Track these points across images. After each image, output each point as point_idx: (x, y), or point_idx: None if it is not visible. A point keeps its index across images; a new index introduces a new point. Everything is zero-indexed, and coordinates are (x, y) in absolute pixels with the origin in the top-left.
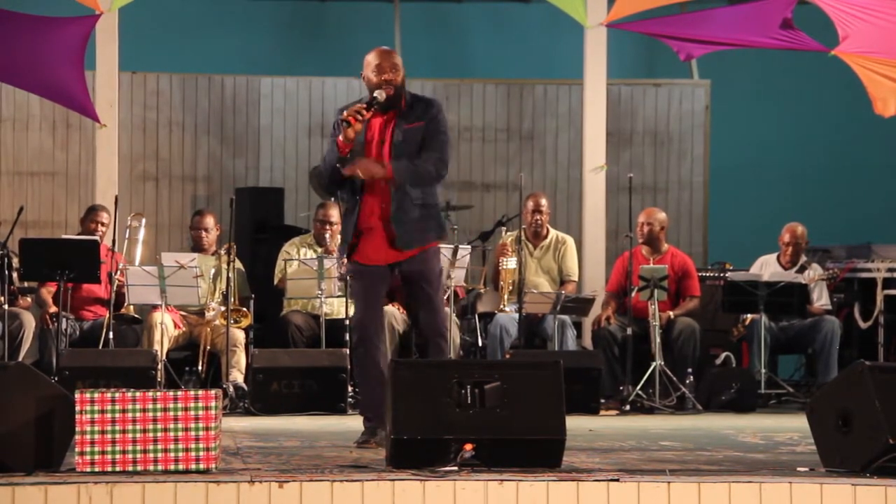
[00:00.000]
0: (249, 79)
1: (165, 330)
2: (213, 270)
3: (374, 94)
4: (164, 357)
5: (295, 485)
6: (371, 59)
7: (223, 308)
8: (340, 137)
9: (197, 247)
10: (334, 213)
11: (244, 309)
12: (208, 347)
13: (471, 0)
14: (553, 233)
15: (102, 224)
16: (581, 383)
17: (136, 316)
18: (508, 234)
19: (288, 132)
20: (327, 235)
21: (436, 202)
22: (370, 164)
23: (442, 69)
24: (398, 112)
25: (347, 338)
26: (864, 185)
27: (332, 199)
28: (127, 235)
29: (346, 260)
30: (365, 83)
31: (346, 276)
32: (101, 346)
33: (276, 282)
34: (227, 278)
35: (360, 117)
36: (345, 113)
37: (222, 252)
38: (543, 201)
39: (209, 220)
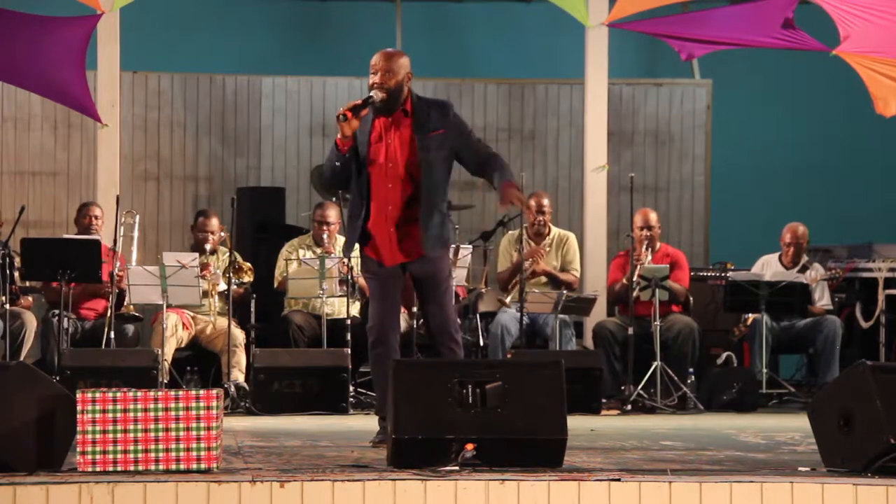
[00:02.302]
0: (251, 78)
1: (173, 330)
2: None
3: (370, 94)
4: (169, 358)
5: (296, 484)
6: (372, 59)
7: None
8: (339, 136)
9: (198, 249)
10: (331, 214)
11: (246, 264)
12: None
13: (472, 0)
14: (555, 230)
15: (96, 217)
16: (582, 383)
17: (136, 314)
18: (511, 232)
19: (289, 132)
20: (325, 235)
21: (447, 213)
22: (515, 192)
23: (443, 69)
24: (413, 120)
25: (349, 337)
26: (864, 184)
27: (333, 198)
28: (121, 233)
29: (346, 260)
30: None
31: (358, 275)
32: (103, 346)
33: (276, 284)
34: (231, 262)
35: (354, 113)
36: (339, 110)
37: (221, 235)
38: (545, 201)
39: (214, 223)
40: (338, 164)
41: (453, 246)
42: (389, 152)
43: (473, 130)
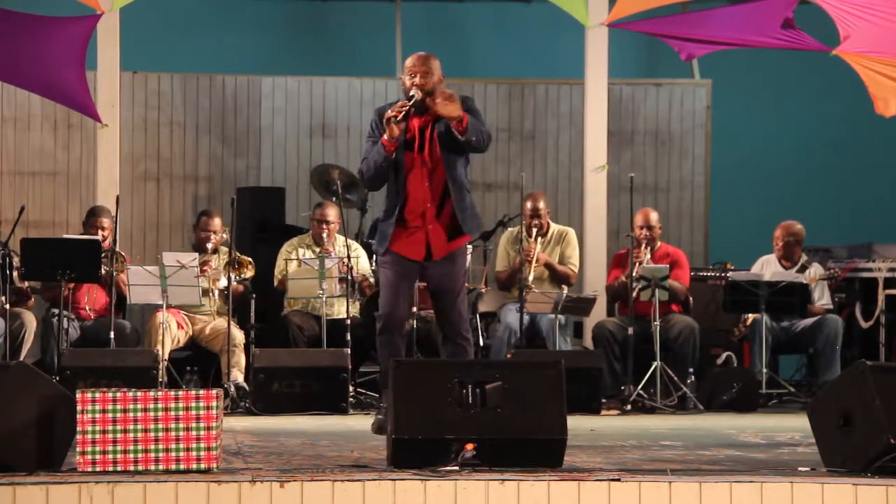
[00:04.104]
0: (251, 78)
1: (168, 330)
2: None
3: (411, 93)
4: (166, 357)
5: (296, 484)
6: (408, 62)
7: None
8: (385, 137)
9: (200, 248)
10: (331, 213)
11: (246, 258)
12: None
13: (472, 0)
14: (554, 226)
15: (103, 229)
16: (582, 383)
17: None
18: (510, 229)
19: (289, 132)
20: (324, 235)
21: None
22: (454, 97)
23: (443, 69)
24: (434, 114)
25: (349, 337)
26: (864, 184)
27: (333, 198)
28: None
29: (345, 259)
30: (402, 86)
31: (358, 275)
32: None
33: (275, 283)
34: (231, 259)
35: (405, 116)
36: (390, 111)
37: (224, 236)
38: (541, 204)
39: (217, 223)
40: (384, 164)
41: None
42: (424, 151)
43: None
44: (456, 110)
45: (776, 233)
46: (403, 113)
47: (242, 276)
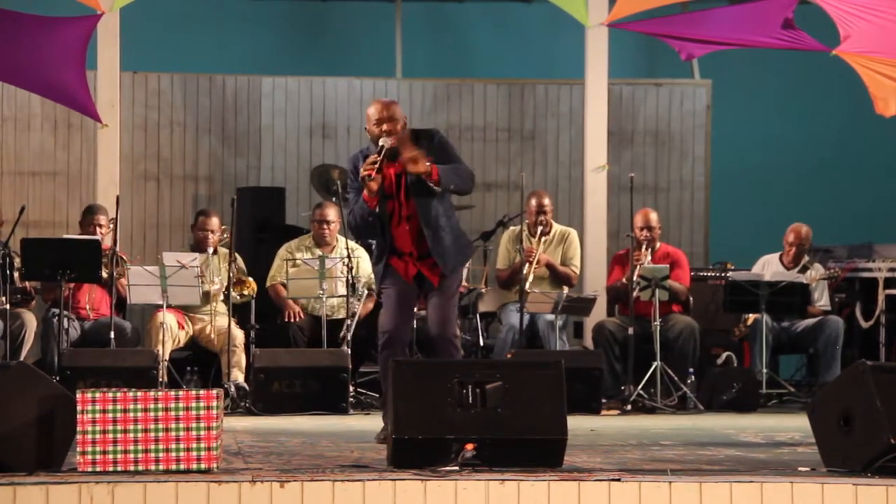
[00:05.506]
0: (251, 78)
1: (168, 330)
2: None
3: (381, 143)
4: (166, 357)
5: (296, 484)
6: (370, 112)
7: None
8: (366, 193)
9: (199, 248)
10: (331, 213)
11: (248, 279)
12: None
13: (472, 0)
14: (556, 227)
15: (100, 226)
16: (582, 383)
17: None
18: (511, 227)
19: (289, 132)
20: (326, 234)
21: (459, 227)
22: (418, 156)
23: (443, 69)
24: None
25: (349, 337)
26: (864, 184)
27: (333, 198)
28: None
29: (345, 260)
30: (368, 135)
31: (358, 276)
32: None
33: (266, 285)
34: (229, 263)
35: (378, 170)
36: (363, 170)
37: (221, 236)
38: (546, 201)
39: (215, 222)
40: (370, 219)
41: None
42: (401, 197)
43: (463, 134)
44: (422, 167)
45: (788, 237)
46: (377, 167)
47: (242, 293)
